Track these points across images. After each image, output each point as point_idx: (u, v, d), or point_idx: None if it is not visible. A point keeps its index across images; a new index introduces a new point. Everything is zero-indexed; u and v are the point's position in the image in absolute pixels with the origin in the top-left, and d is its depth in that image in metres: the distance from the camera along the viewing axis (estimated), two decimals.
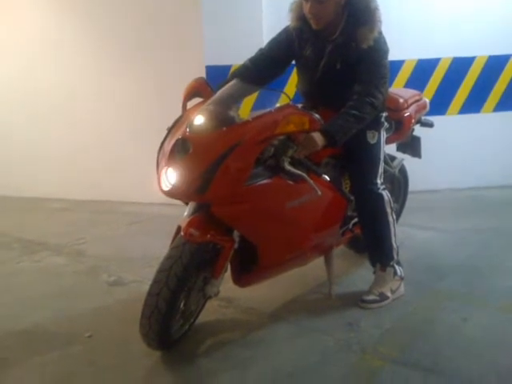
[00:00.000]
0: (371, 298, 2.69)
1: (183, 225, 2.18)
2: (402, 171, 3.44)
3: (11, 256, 3.66)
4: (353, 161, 2.65)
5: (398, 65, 4.54)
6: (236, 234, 2.24)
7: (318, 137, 2.26)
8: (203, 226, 2.17)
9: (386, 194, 2.67)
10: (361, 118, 2.39)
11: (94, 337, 2.49)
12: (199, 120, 2.19)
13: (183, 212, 2.30)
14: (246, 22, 4.33)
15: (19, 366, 2.28)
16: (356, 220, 2.84)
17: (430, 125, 3.47)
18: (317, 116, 2.25)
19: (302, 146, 2.26)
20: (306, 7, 2.40)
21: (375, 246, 2.76)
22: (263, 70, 2.61)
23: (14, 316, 2.74)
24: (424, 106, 3.41)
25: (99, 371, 2.23)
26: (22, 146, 5.30)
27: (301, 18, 2.51)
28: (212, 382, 2.15)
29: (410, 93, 3.39)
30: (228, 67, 3.97)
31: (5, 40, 5.23)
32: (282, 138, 2.25)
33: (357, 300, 2.70)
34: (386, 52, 2.50)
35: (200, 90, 2.45)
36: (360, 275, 3.03)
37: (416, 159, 3.46)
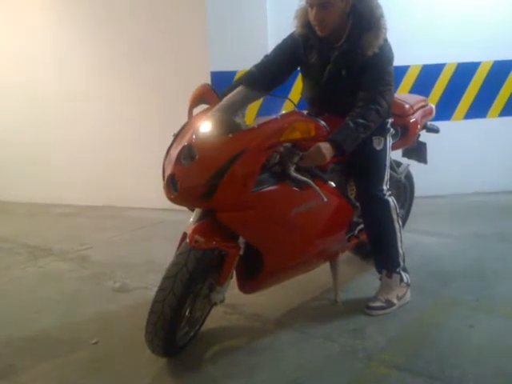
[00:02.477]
0: (377, 304, 2.68)
1: (189, 231, 2.18)
2: (408, 177, 3.44)
3: (16, 261, 3.67)
4: (359, 167, 2.64)
5: (403, 70, 4.55)
6: (241, 240, 2.24)
7: (326, 148, 2.25)
8: (209, 233, 2.17)
9: (391, 200, 2.66)
10: (367, 126, 2.39)
11: (99, 343, 2.49)
12: (205, 127, 2.19)
13: (187, 218, 2.30)
14: (251, 28, 4.35)
15: (25, 372, 2.28)
16: (362, 226, 2.83)
17: (435, 130, 3.46)
18: (322, 123, 2.25)
19: (309, 157, 2.26)
20: (311, 14, 2.41)
21: (381, 252, 2.74)
22: (268, 76, 2.61)
23: (19, 322, 2.74)
24: (430, 112, 3.41)
25: (104, 378, 2.22)
26: (25, 151, 5.32)
27: (306, 25, 2.51)
28: None
29: (415, 98, 3.38)
30: (233, 73, 3.98)
31: (4, 42, 5.27)
32: (287, 144, 2.24)
33: (363, 306, 2.69)
34: (391, 59, 2.50)
35: (206, 96, 2.45)
36: (366, 281, 3.02)
37: (422, 165, 3.45)
